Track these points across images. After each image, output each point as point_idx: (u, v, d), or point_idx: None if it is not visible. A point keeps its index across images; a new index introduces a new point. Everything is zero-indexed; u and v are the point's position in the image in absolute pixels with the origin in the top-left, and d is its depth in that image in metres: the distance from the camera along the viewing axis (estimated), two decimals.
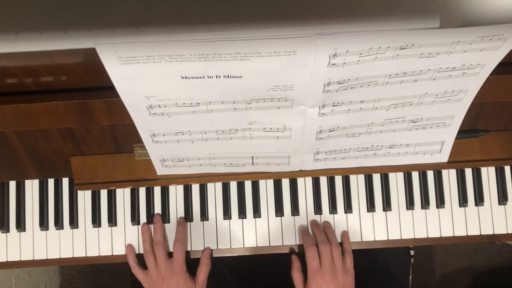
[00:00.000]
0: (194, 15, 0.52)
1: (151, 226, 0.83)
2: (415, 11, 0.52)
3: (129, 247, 0.82)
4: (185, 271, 0.78)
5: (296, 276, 0.79)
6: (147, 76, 0.55)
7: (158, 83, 0.57)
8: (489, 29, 0.52)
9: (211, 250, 0.83)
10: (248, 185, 0.84)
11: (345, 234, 0.82)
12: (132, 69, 0.54)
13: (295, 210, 0.83)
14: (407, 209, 0.84)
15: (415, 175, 0.84)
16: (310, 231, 0.82)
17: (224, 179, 0.80)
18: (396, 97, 0.63)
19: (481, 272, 1.55)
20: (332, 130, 0.68)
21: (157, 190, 0.84)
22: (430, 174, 0.84)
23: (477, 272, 1.55)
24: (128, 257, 0.82)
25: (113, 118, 0.66)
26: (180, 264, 0.77)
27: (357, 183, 0.84)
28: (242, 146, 0.71)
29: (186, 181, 0.80)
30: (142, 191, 0.84)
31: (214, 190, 0.84)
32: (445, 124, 0.70)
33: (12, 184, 0.85)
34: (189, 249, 0.83)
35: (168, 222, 0.83)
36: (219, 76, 0.56)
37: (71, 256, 0.83)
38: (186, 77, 0.56)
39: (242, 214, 0.84)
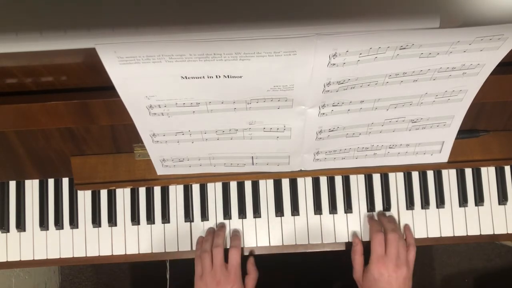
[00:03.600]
0: (194, 15, 0.52)
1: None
2: (415, 11, 0.52)
3: (201, 237, 0.82)
4: (240, 278, 0.77)
5: (358, 258, 0.79)
6: (147, 76, 0.55)
7: (158, 83, 0.57)
8: (489, 29, 0.52)
9: (254, 256, 0.83)
10: (248, 185, 0.84)
11: (408, 227, 0.82)
12: (132, 69, 0.54)
13: (295, 210, 0.83)
14: (407, 209, 0.84)
15: (415, 175, 0.84)
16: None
17: (224, 179, 0.80)
18: (396, 97, 0.63)
19: (481, 272, 1.55)
20: (332, 130, 0.68)
21: (157, 190, 0.84)
22: (430, 174, 0.84)
23: (477, 272, 1.55)
24: (197, 246, 0.80)
25: (113, 118, 0.66)
26: (236, 271, 0.77)
27: (357, 183, 0.84)
28: (242, 146, 0.71)
29: (186, 181, 0.80)
30: (142, 191, 0.84)
31: (214, 190, 0.84)
32: (445, 124, 0.70)
33: (12, 184, 0.85)
34: (188, 249, 0.83)
35: (168, 222, 0.83)
36: (219, 76, 0.56)
37: (71, 256, 0.83)
38: (186, 77, 0.56)
39: (242, 214, 0.84)
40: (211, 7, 0.52)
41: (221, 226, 0.83)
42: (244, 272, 0.81)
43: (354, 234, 0.83)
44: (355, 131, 0.70)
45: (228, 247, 0.81)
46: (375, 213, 0.83)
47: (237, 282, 0.76)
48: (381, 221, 0.80)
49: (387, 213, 0.83)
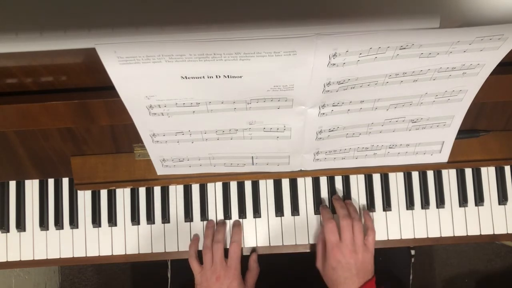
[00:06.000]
0: (194, 15, 0.52)
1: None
2: (415, 11, 0.52)
3: (196, 236, 0.82)
4: (240, 273, 0.78)
5: (319, 247, 0.79)
6: (147, 76, 0.55)
7: (158, 83, 0.57)
8: (489, 29, 0.52)
9: (257, 254, 0.83)
10: (248, 185, 0.84)
11: (366, 212, 0.81)
12: (132, 69, 0.54)
13: (295, 210, 0.83)
14: (407, 209, 0.84)
15: (415, 175, 0.84)
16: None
17: (224, 179, 0.80)
18: (396, 97, 0.63)
19: (481, 272, 1.55)
20: (332, 130, 0.68)
21: (157, 190, 0.84)
22: (430, 174, 0.84)
23: (477, 272, 1.55)
24: (191, 245, 0.81)
25: (113, 118, 0.66)
26: (236, 266, 0.77)
27: (357, 183, 0.84)
28: (242, 146, 0.71)
29: (186, 181, 0.80)
30: (142, 191, 0.84)
31: (214, 190, 0.84)
32: (445, 124, 0.70)
33: (12, 184, 0.85)
34: (188, 248, 0.83)
35: (168, 222, 0.83)
36: (219, 76, 0.56)
37: (71, 256, 0.83)
38: (186, 77, 0.56)
39: (242, 214, 0.84)
40: (211, 7, 0.52)
41: (222, 223, 0.83)
42: (245, 268, 0.81)
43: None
44: (355, 131, 0.70)
45: (228, 244, 0.81)
46: (375, 213, 0.83)
47: (237, 277, 0.77)
48: (335, 208, 0.80)
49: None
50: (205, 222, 0.83)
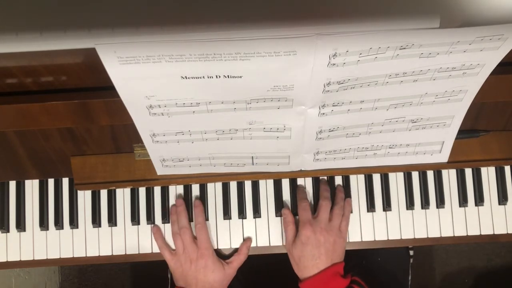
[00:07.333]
0: (194, 15, 0.52)
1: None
2: (415, 11, 0.52)
3: (156, 227, 0.83)
4: (212, 252, 0.79)
5: (288, 228, 0.79)
6: (147, 76, 0.55)
7: (158, 83, 0.57)
8: (489, 29, 0.52)
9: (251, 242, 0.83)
10: (248, 185, 0.84)
11: (347, 201, 0.82)
12: (132, 69, 0.54)
13: (295, 210, 0.83)
14: (407, 209, 0.84)
15: (415, 175, 0.84)
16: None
17: (224, 179, 0.80)
18: (396, 97, 0.63)
19: (481, 272, 1.55)
20: (332, 130, 0.68)
21: (157, 190, 0.84)
22: (430, 174, 0.84)
23: (477, 272, 1.55)
24: (155, 238, 0.82)
25: (113, 118, 0.66)
26: (206, 246, 0.78)
27: (357, 183, 0.84)
28: (242, 146, 0.71)
29: (186, 181, 0.80)
30: (142, 191, 0.84)
31: (214, 190, 0.84)
32: (445, 124, 0.70)
33: (12, 184, 0.85)
34: None
35: (168, 222, 0.83)
36: (219, 76, 0.56)
37: (71, 256, 0.83)
38: (186, 77, 0.56)
39: (242, 214, 0.84)
40: (211, 7, 0.52)
41: (180, 205, 0.82)
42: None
43: (285, 207, 0.83)
44: (355, 131, 0.70)
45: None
46: (374, 213, 0.83)
47: (210, 256, 0.78)
48: (320, 189, 0.81)
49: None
50: (206, 222, 0.83)
